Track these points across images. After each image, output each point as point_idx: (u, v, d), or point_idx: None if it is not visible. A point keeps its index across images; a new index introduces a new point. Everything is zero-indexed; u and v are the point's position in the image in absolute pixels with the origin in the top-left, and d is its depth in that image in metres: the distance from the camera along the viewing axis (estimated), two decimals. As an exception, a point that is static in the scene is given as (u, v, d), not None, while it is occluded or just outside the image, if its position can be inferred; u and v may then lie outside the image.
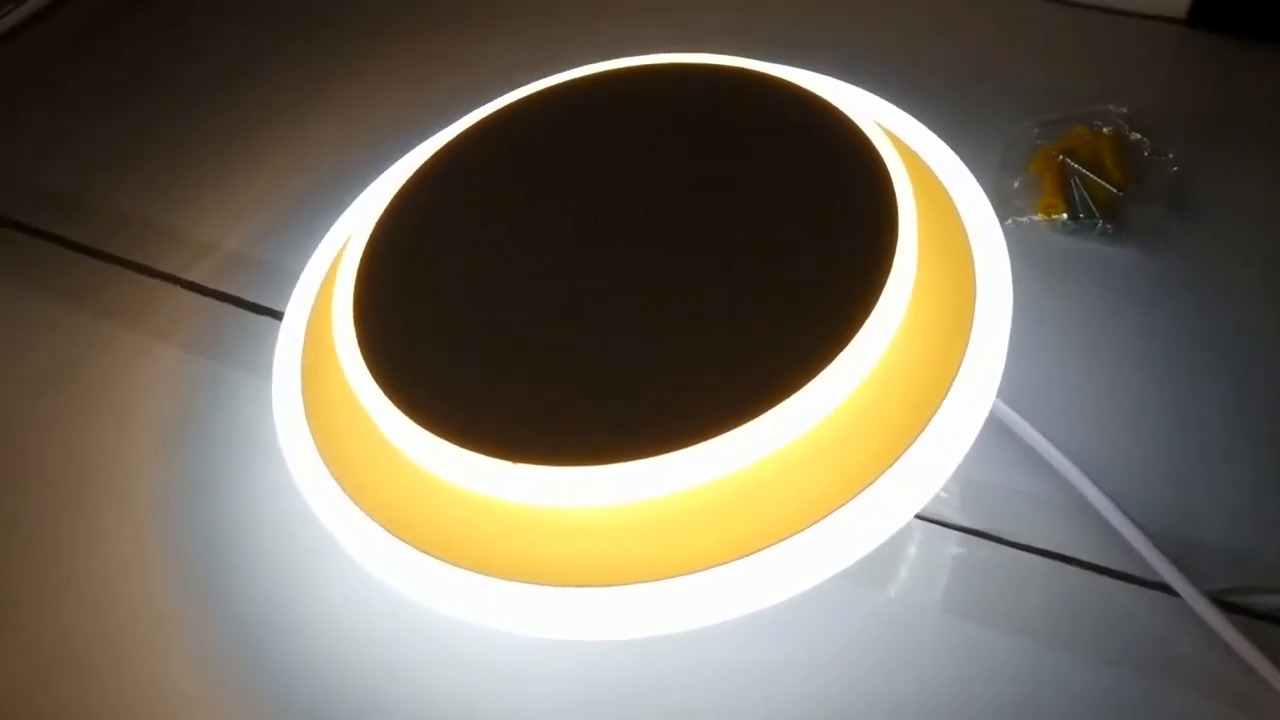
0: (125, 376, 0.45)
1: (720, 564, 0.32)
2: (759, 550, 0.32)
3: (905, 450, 0.33)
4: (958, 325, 0.36)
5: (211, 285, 0.48)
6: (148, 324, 0.47)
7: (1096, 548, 0.37)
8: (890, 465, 0.33)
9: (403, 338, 0.36)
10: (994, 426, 0.40)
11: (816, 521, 0.32)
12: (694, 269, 0.36)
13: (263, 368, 0.38)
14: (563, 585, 0.32)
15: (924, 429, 0.33)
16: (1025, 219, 0.48)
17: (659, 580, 0.32)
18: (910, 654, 0.36)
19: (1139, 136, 0.49)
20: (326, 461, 0.37)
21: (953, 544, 0.38)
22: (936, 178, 0.40)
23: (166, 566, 0.39)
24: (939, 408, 0.34)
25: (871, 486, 0.32)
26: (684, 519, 0.33)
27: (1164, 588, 0.36)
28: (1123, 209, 0.47)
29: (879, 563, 0.38)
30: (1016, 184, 0.49)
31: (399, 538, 0.34)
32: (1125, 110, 0.50)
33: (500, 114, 0.43)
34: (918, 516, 0.39)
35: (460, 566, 0.33)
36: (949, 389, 0.34)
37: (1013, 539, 0.38)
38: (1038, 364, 0.42)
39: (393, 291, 0.38)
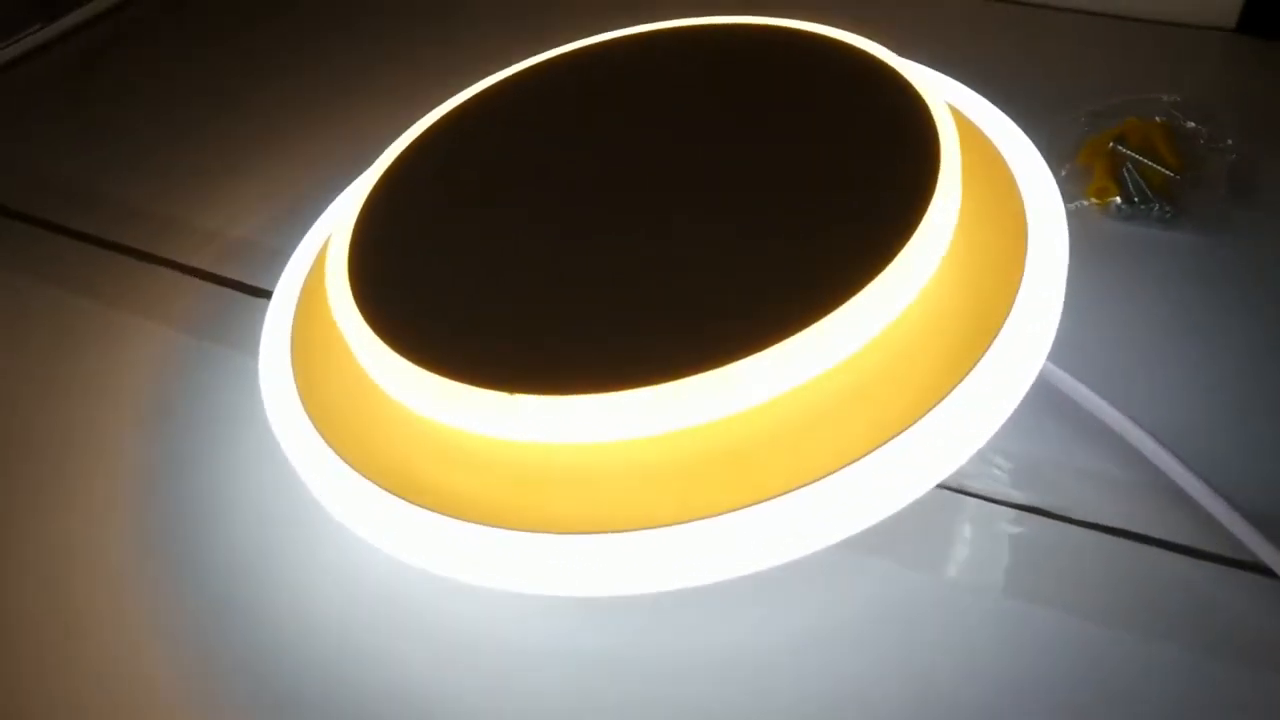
0: (115, 354, 0.43)
1: (743, 507, 0.28)
2: (787, 492, 0.28)
3: (953, 389, 0.29)
4: (1010, 260, 0.32)
5: (211, 270, 0.46)
6: (146, 306, 0.45)
7: (1178, 527, 0.33)
8: (940, 400, 0.29)
9: (398, 282, 0.34)
10: (1063, 405, 0.36)
11: (849, 463, 0.28)
12: (718, 203, 0.33)
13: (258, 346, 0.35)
14: (572, 533, 0.28)
15: (974, 366, 0.30)
16: (1075, 205, 0.45)
17: (677, 525, 0.28)
18: (964, 636, 0.31)
19: (1194, 125, 0.47)
20: (314, 417, 0.33)
21: (1021, 524, 0.34)
22: (980, 130, 0.37)
23: (146, 532, 0.36)
24: (989, 347, 0.30)
25: (924, 419, 0.28)
26: (702, 457, 0.29)
27: (1260, 569, 0.31)
28: (1180, 194, 0.44)
29: (934, 543, 0.34)
30: (1064, 172, 0.46)
31: (390, 491, 0.31)
32: (1178, 99, 0.47)
33: (519, 75, 0.41)
34: (975, 494, 0.35)
35: (461, 519, 0.29)
36: (1001, 327, 0.30)
37: (1082, 517, 0.34)
38: (1106, 345, 0.39)
39: (391, 239, 0.35)
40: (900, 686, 0.31)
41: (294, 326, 0.36)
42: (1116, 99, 0.48)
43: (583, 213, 0.34)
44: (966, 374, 0.30)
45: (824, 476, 0.28)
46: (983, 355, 0.30)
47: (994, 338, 0.30)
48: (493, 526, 0.29)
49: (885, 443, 0.28)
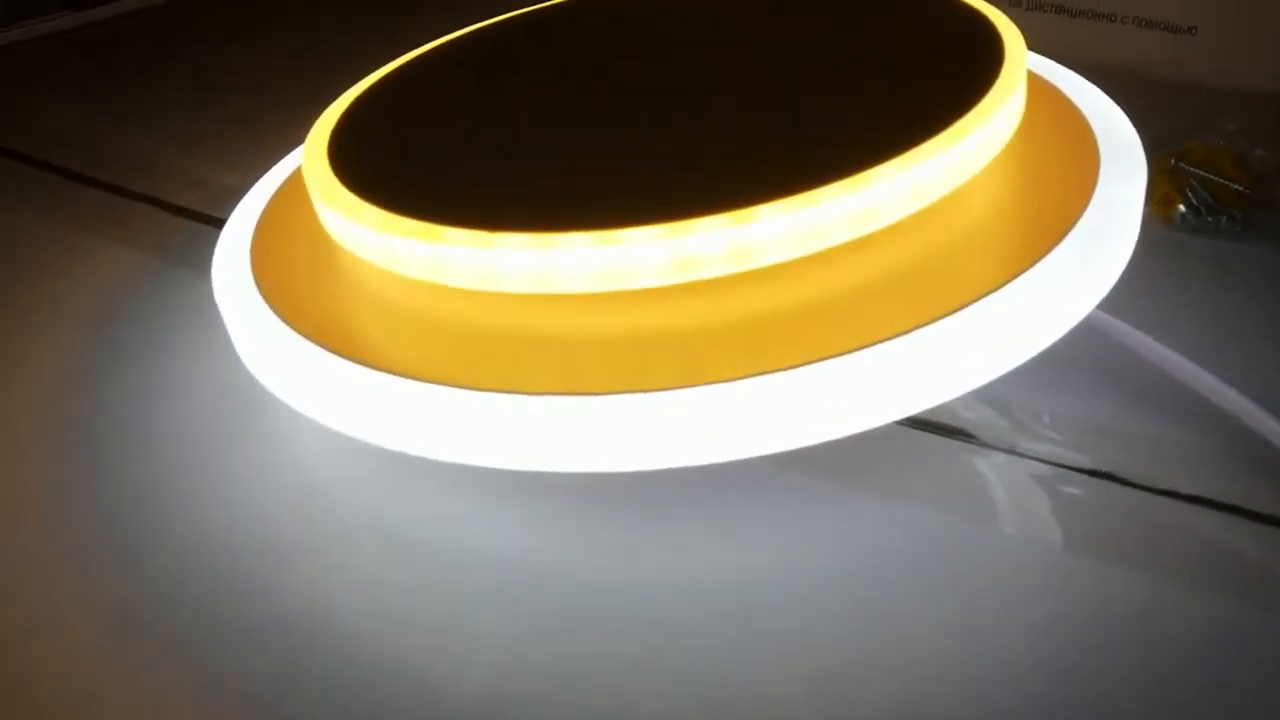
0: (76, 274, 0.39)
1: (750, 376, 0.23)
2: (798, 366, 0.23)
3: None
4: (1078, 179, 0.28)
5: (195, 208, 0.43)
6: (119, 236, 0.42)
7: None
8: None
9: (378, 149, 0.30)
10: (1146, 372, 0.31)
11: (873, 344, 0.23)
12: (752, 79, 0.29)
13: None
14: (550, 394, 0.24)
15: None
16: (1133, 215, 0.41)
17: (693, 387, 0.23)
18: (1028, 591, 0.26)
19: (1261, 152, 0.43)
20: (265, 287, 0.29)
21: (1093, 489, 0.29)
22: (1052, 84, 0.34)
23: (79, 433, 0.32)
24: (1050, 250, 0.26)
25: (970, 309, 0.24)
26: (709, 317, 0.24)
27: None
28: (1249, 208, 0.40)
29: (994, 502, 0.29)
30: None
31: (347, 356, 0.26)
32: (1239, 126, 0.44)
33: (531, 12, 0.39)
34: (1046, 461, 0.29)
35: (425, 380, 0.24)
36: (1066, 234, 0.26)
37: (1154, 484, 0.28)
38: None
39: (377, 118, 0.32)
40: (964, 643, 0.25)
41: (263, 214, 0.33)
42: (1176, 124, 0.45)
43: (599, 91, 0.31)
44: (1026, 269, 0.25)
45: (843, 354, 0.23)
46: (1043, 256, 0.26)
47: (1055, 244, 0.26)
48: (460, 388, 0.24)
49: (922, 326, 0.24)
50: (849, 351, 0.23)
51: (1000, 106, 0.26)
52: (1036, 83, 0.33)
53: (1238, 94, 0.46)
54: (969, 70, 0.28)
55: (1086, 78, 0.44)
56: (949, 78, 0.28)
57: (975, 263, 0.25)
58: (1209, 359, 0.33)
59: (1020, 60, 0.29)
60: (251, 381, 0.28)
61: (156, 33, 0.64)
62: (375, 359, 0.25)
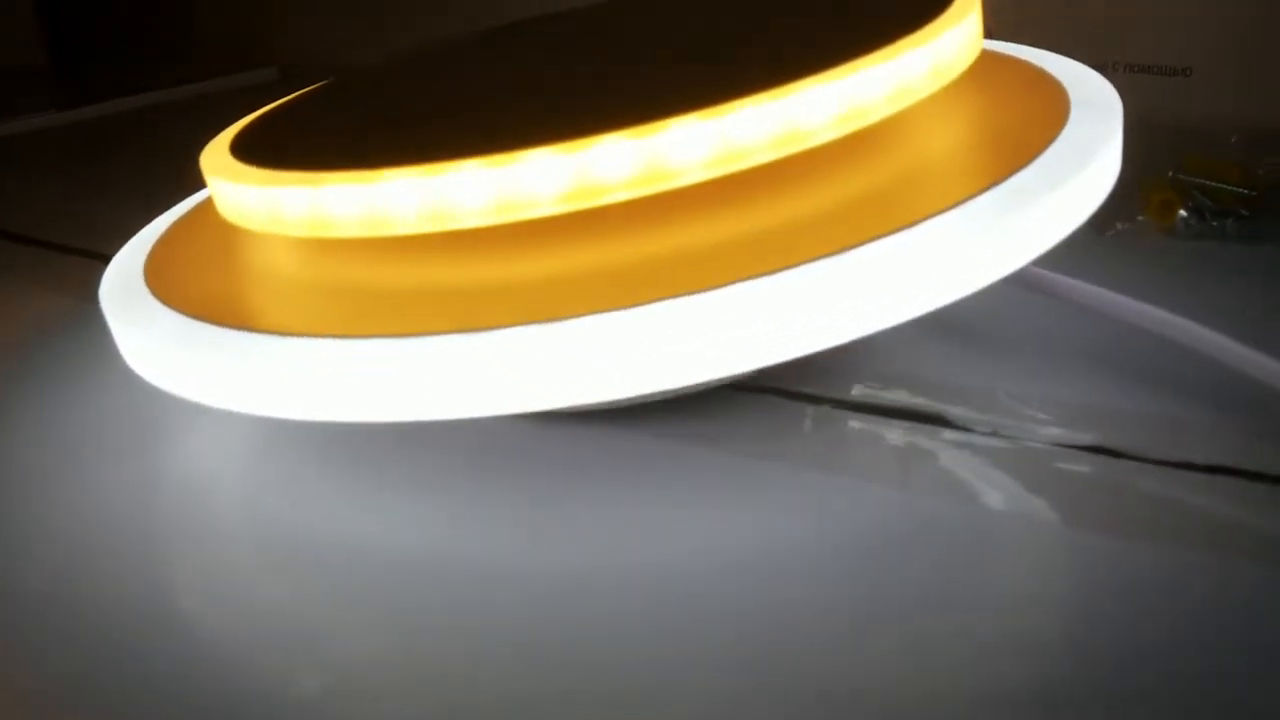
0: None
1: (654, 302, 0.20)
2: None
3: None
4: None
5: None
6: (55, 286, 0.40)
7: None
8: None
9: (283, 134, 0.28)
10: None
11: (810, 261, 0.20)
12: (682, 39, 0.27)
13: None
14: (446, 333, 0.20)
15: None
16: (1126, 226, 0.38)
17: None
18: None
19: (1272, 159, 0.40)
20: (153, 281, 0.26)
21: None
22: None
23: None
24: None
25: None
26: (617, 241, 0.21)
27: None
28: (1256, 210, 0.37)
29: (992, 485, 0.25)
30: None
31: (230, 325, 0.23)
32: (1241, 138, 0.42)
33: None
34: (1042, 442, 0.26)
35: (313, 336, 0.21)
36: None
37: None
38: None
39: (290, 116, 0.30)
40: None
41: (171, 226, 0.30)
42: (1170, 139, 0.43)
43: (510, 59, 0.29)
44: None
45: (754, 278, 0.20)
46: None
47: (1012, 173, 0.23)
48: (346, 338, 0.21)
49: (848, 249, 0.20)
50: (760, 275, 0.20)
51: (942, 33, 0.24)
52: (1004, 58, 0.31)
53: (1240, 131, 0.44)
54: (918, 8, 0.25)
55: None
56: (895, 12, 0.25)
57: (922, 189, 0.22)
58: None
59: (974, 4, 0.26)
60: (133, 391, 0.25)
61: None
62: (258, 323, 0.22)
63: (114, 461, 0.28)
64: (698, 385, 0.25)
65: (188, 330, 0.23)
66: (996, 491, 0.24)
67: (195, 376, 0.22)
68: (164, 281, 0.26)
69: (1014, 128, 0.25)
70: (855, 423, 0.27)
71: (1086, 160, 0.23)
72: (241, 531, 0.25)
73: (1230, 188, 0.38)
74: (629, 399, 0.23)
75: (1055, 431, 0.26)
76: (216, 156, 0.26)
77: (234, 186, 0.24)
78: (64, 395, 0.32)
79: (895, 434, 0.26)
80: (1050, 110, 0.26)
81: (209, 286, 0.25)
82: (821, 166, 0.22)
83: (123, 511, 0.26)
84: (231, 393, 0.22)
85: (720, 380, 0.26)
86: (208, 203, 0.29)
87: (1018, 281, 0.28)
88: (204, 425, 0.29)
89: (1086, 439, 0.25)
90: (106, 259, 0.29)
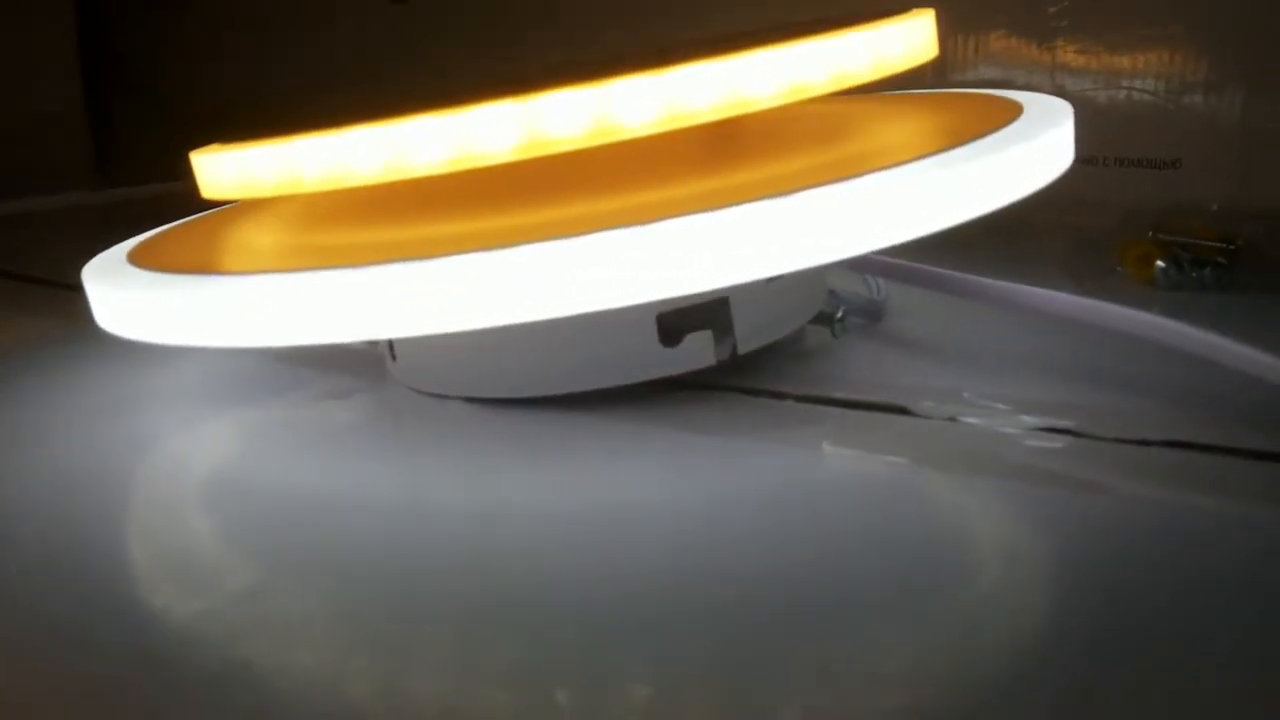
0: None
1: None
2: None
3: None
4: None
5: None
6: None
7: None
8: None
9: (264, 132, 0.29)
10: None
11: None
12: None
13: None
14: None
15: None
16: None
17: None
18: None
19: (1250, 225, 0.41)
20: (133, 255, 0.27)
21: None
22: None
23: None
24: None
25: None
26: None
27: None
28: (1235, 260, 0.38)
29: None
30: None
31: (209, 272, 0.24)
32: (1219, 207, 0.42)
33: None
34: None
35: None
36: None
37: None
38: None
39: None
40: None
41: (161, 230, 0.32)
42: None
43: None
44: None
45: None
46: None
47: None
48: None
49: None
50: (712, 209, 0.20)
51: (888, 25, 0.25)
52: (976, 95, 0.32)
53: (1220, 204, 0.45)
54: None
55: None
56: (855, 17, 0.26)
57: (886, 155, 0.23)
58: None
59: (928, 15, 0.28)
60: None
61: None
62: (230, 268, 0.23)
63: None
64: (661, 372, 0.25)
65: (153, 279, 0.24)
66: (951, 466, 0.24)
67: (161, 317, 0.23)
68: (139, 256, 0.27)
69: (968, 122, 0.26)
70: (812, 407, 0.27)
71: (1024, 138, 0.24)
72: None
73: (1211, 244, 0.38)
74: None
75: (1015, 418, 0.25)
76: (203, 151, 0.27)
77: (210, 157, 0.26)
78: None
79: (858, 419, 0.26)
80: (1005, 113, 0.27)
81: (180, 256, 0.26)
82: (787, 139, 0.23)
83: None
84: (194, 329, 0.22)
85: (681, 372, 0.26)
86: (194, 220, 0.31)
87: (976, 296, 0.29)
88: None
89: (1045, 423, 0.25)
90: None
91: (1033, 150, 0.24)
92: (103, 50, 0.78)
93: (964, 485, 0.23)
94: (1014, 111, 0.27)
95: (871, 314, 0.33)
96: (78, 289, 0.26)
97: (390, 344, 0.28)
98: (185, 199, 0.34)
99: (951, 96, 0.31)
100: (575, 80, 0.22)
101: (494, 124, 0.22)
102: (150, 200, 0.67)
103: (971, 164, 0.22)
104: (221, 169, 0.25)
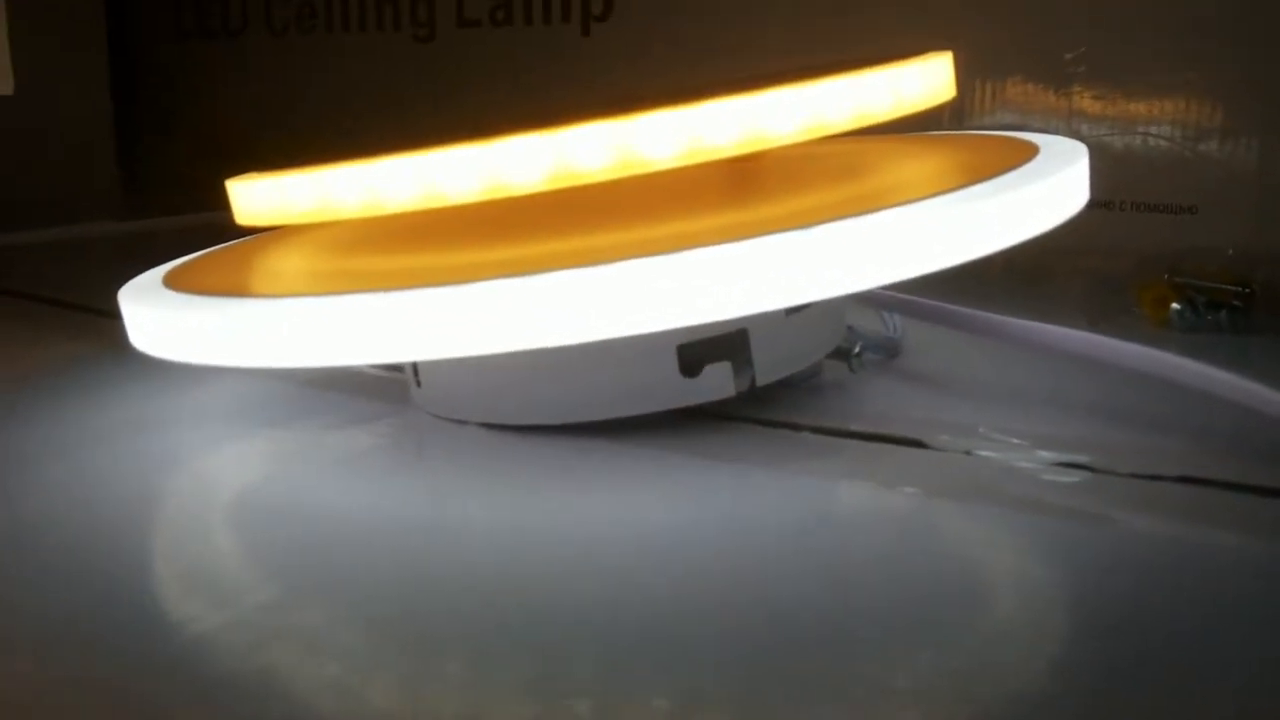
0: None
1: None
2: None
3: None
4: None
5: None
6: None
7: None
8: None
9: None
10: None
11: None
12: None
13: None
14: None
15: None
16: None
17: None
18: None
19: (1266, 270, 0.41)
20: (168, 279, 0.28)
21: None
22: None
23: None
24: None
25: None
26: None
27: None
28: (1251, 303, 0.38)
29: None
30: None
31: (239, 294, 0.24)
32: (1235, 252, 0.43)
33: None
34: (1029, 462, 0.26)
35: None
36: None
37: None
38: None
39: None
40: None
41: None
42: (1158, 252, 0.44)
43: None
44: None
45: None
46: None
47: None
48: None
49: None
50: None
51: (908, 65, 0.26)
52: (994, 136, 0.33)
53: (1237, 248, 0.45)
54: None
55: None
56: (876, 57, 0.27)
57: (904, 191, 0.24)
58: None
59: (946, 57, 0.28)
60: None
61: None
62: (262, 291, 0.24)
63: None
64: (681, 402, 0.25)
65: (188, 301, 0.24)
66: (966, 499, 0.24)
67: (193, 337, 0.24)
68: (174, 279, 0.27)
69: (986, 160, 0.27)
70: (828, 439, 0.27)
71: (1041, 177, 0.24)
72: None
73: (1226, 287, 0.39)
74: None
75: (1031, 453, 0.26)
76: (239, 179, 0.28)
77: (245, 185, 0.26)
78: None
79: (874, 451, 0.27)
80: (1022, 152, 0.27)
81: (213, 280, 0.27)
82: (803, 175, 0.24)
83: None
84: (226, 349, 0.23)
85: (700, 402, 0.26)
86: (226, 247, 0.31)
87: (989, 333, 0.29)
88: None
89: (1061, 458, 0.25)
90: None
91: (1051, 187, 0.24)
92: (134, 82, 0.80)
93: (979, 517, 0.24)
94: (1031, 151, 0.28)
95: (888, 350, 0.34)
96: (108, 314, 0.27)
97: (415, 371, 0.29)
98: (214, 229, 0.35)
99: (969, 137, 0.31)
100: (602, 114, 0.23)
101: (524, 156, 0.23)
102: (179, 231, 0.69)
103: (991, 200, 0.23)
104: (257, 196, 0.26)
